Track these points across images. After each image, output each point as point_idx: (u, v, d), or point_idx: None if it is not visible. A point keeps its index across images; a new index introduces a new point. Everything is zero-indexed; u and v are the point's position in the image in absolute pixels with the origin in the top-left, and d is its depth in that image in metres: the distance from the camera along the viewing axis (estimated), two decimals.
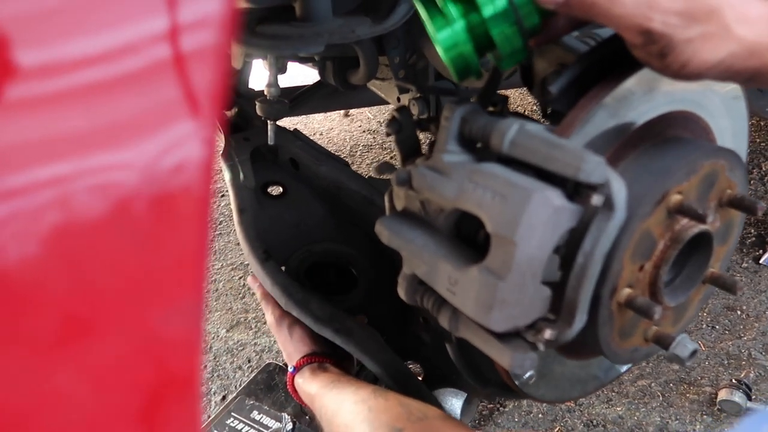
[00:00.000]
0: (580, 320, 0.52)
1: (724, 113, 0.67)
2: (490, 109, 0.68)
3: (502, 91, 0.99)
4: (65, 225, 0.26)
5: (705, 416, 1.36)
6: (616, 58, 0.58)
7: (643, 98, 0.57)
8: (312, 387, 0.86)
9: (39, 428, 0.28)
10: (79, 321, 0.28)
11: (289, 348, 0.94)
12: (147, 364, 0.28)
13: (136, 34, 0.26)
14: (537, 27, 0.57)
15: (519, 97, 2.72)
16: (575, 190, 0.49)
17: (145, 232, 0.26)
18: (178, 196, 0.26)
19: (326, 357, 0.93)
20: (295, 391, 0.92)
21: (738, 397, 1.33)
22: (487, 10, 0.55)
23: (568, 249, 0.51)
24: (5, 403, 0.27)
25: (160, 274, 0.26)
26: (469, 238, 0.55)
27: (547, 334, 0.51)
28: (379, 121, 2.67)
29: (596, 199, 0.48)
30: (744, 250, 1.79)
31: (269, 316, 0.99)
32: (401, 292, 0.60)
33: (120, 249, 0.26)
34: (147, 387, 0.28)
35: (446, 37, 0.57)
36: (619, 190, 0.49)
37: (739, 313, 1.60)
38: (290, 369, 0.93)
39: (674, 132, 0.60)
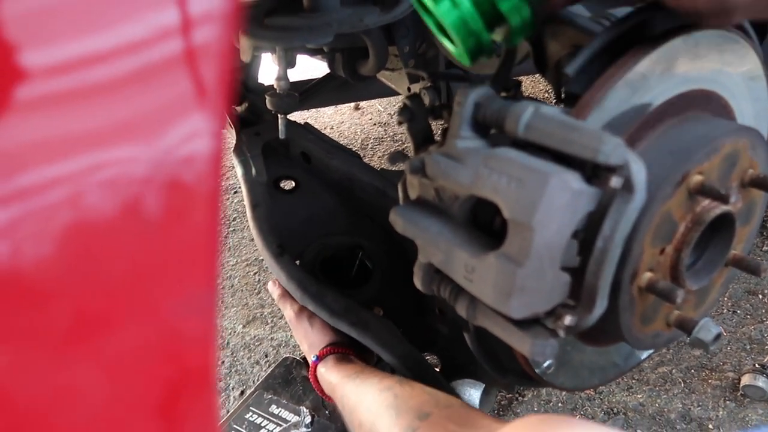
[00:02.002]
0: (601, 306, 0.51)
1: (745, 91, 0.65)
2: (503, 94, 0.67)
3: (514, 78, 0.98)
4: (78, 221, 0.26)
5: (728, 402, 1.34)
6: (632, 37, 0.57)
7: (662, 77, 0.56)
8: (335, 376, 0.86)
9: (57, 423, 0.28)
10: (94, 316, 0.28)
11: (312, 338, 0.94)
12: (162, 358, 0.27)
13: (142, 29, 0.26)
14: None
15: (530, 85, 2.70)
16: (593, 172, 0.48)
17: (156, 226, 0.25)
18: (188, 189, 0.26)
19: (349, 348, 0.93)
20: (317, 380, 0.91)
21: (762, 381, 1.31)
22: None
23: (587, 233, 0.50)
24: (23, 398, 0.27)
25: (172, 267, 0.26)
26: (485, 224, 0.54)
27: (567, 320, 0.50)
28: (390, 114, 2.66)
29: (615, 182, 0.47)
30: (764, 233, 1.76)
31: (288, 311, 0.98)
32: (417, 281, 0.59)
33: (132, 243, 0.25)
34: (164, 381, 0.28)
35: (455, 16, 0.55)
36: (638, 171, 0.47)
37: (760, 297, 1.57)
38: (313, 358, 0.92)
39: (694, 111, 0.59)
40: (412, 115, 0.63)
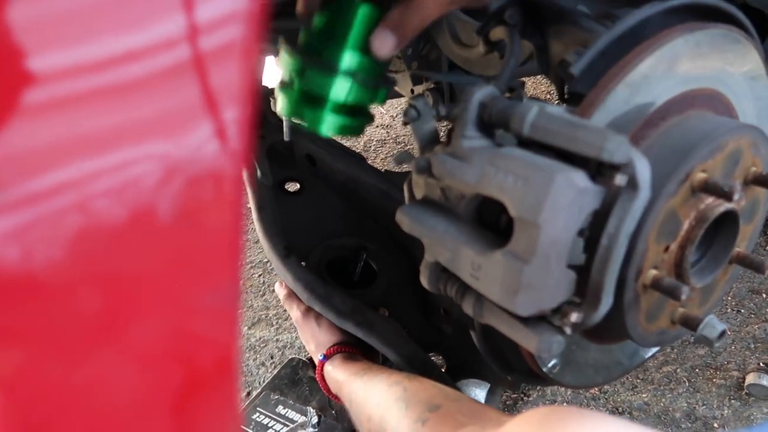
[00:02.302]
0: (606, 303, 0.51)
1: (747, 90, 0.66)
2: (507, 95, 0.68)
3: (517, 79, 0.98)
4: (102, 221, 0.27)
5: (733, 401, 1.34)
6: (636, 36, 0.57)
7: (664, 76, 0.56)
8: (342, 374, 0.86)
9: (79, 418, 0.29)
10: (116, 314, 0.28)
11: (319, 337, 0.95)
12: (186, 354, 0.28)
13: (170, 29, 0.27)
14: (383, 67, 0.62)
15: (531, 87, 2.71)
16: (598, 170, 0.48)
17: (180, 224, 0.26)
18: (214, 186, 0.26)
19: (356, 347, 0.94)
20: (323, 379, 0.92)
21: (766, 380, 1.31)
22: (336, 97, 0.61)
23: (593, 231, 0.50)
24: (45, 396, 0.28)
25: (196, 262, 0.26)
26: (491, 223, 0.55)
27: (573, 317, 0.51)
28: (392, 116, 2.67)
29: (620, 179, 0.47)
30: (767, 233, 1.76)
31: (295, 311, 0.99)
32: (424, 279, 0.60)
33: (157, 242, 0.26)
34: (185, 375, 0.28)
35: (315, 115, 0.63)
36: (643, 169, 0.48)
37: (764, 296, 1.57)
38: (320, 357, 0.93)
39: (697, 110, 0.59)
40: (418, 115, 0.63)
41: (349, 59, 0.60)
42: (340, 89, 0.61)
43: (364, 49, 0.60)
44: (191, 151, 0.26)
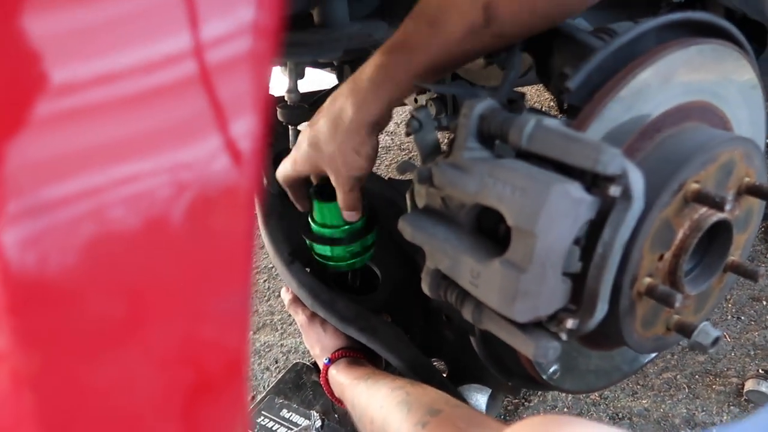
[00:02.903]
0: (602, 310, 0.53)
1: (741, 103, 0.68)
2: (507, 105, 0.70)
3: (519, 88, 1.00)
4: (118, 229, 0.28)
5: (732, 407, 1.35)
6: (631, 51, 0.59)
7: (659, 90, 0.58)
8: (346, 378, 0.88)
9: (96, 419, 0.30)
10: (132, 317, 0.30)
11: (325, 341, 0.96)
12: (196, 360, 0.29)
13: (190, 40, 0.28)
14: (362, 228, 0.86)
15: (535, 94, 2.72)
16: (593, 182, 0.50)
17: (194, 233, 0.28)
18: (227, 196, 0.28)
19: (360, 352, 0.95)
20: (327, 383, 0.93)
21: (765, 387, 1.32)
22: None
23: (588, 240, 0.52)
24: (66, 397, 0.29)
25: (209, 269, 0.28)
26: (490, 232, 0.57)
27: (569, 323, 0.52)
28: (396, 123, 2.69)
29: (614, 190, 0.49)
30: None
31: (300, 316, 1.00)
32: (425, 286, 0.62)
33: (170, 245, 0.28)
34: (197, 381, 0.30)
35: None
36: (636, 180, 0.50)
37: (764, 303, 1.58)
38: (325, 361, 0.94)
39: (691, 122, 0.61)
40: (421, 125, 0.65)
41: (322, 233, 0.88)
42: (322, 250, 0.89)
43: (330, 224, 0.86)
44: (207, 161, 0.28)
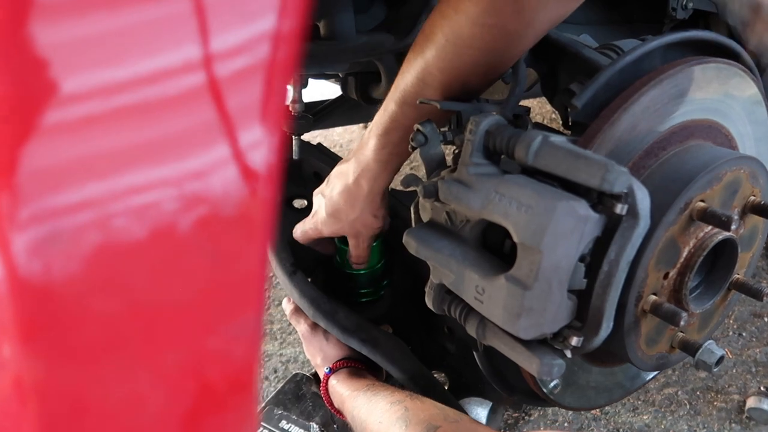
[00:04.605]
0: (606, 327, 0.53)
1: (745, 119, 0.68)
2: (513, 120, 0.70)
3: (523, 102, 1.00)
4: (126, 240, 0.28)
5: (733, 424, 1.35)
6: (637, 69, 0.59)
7: (665, 108, 0.58)
8: (346, 389, 0.87)
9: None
10: (135, 329, 0.30)
11: (327, 351, 0.96)
12: (203, 372, 0.29)
13: (206, 50, 0.27)
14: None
15: (538, 106, 2.73)
16: (599, 199, 0.50)
17: (213, 245, 0.27)
18: (245, 207, 0.27)
19: (362, 363, 0.95)
20: (327, 393, 0.93)
21: (767, 404, 1.31)
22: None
23: (594, 257, 0.52)
24: (60, 409, 0.29)
25: (225, 288, 0.28)
26: (495, 247, 0.57)
27: (574, 341, 0.52)
28: None
29: (620, 208, 0.49)
30: None
31: (302, 325, 1.00)
32: (429, 301, 0.62)
33: (190, 262, 0.28)
34: (200, 396, 0.30)
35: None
36: (642, 198, 0.50)
37: (766, 319, 1.58)
38: (326, 370, 0.94)
39: (696, 140, 0.61)
40: (426, 139, 0.65)
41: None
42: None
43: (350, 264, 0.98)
44: (219, 173, 0.28)
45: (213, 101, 0.28)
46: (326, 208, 0.85)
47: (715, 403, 1.39)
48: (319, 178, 1.20)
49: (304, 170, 1.21)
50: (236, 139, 0.28)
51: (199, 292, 0.30)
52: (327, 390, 0.94)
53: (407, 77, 0.68)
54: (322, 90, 1.57)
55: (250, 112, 0.29)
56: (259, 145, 0.28)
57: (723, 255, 0.62)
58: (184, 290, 0.29)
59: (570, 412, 1.39)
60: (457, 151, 0.61)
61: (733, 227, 0.54)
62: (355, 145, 0.84)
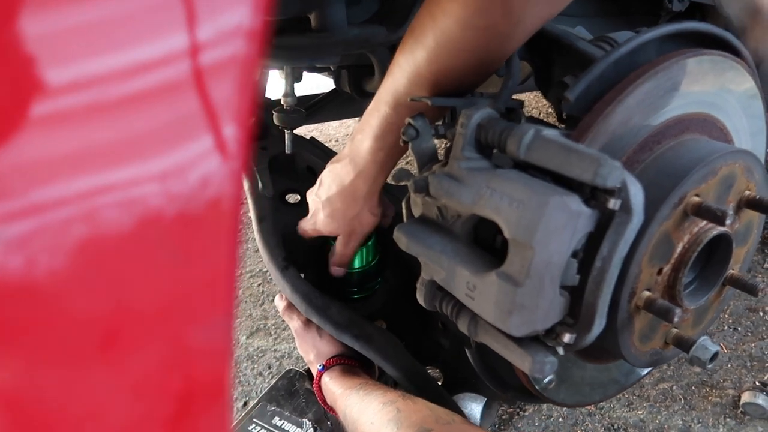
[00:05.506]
0: (599, 324, 0.52)
1: (741, 113, 0.67)
2: (506, 113, 0.69)
3: (517, 95, 0.99)
4: (100, 237, 0.27)
5: (728, 419, 1.34)
6: (632, 61, 0.58)
7: (659, 101, 0.57)
8: (339, 387, 0.87)
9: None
10: (110, 333, 0.29)
11: (320, 347, 0.95)
12: (178, 376, 0.28)
13: (173, 45, 0.27)
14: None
15: (534, 100, 2.72)
16: (592, 194, 0.49)
17: (178, 245, 0.27)
18: (209, 208, 0.27)
19: (355, 360, 0.94)
20: (320, 390, 0.92)
21: (761, 399, 1.31)
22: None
23: (586, 253, 0.51)
24: (34, 413, 0.28)
25: (193, 288, 0.27)
26: (486, 243, 0.56)
27: (567, 338, 0.51)
28: None
29: (613, 203, 0.48)
30: (766, 251, 1.76)
31: (295, 322, 0.99)
32: (420, 297, 0.61)
33: (154, 263, 0.27)
34: (178, 397, 0.29)
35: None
36: (636, 193, 0.49)
37: (761, 314, 1.58)
38: (319, 367, 0.93)
39: (691, 134, 0.60)
40: (417, 133, 0.64)
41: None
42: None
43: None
44: (189, 167, 0.27)
45: (178, 97, 0.27)
46: (324, 209, 0.87)
47: (710, 398, 1.39)
48: (312, 173, 1.19)
49: (297, 164, 1.20)
50: (203, 136, 0.27)
51: (163, 293, 0.29)
52: (320, 387, 0.93)
53: (399, 79, 0.68)
54: (318, 84, 1.56)
55: (216, 108, 0.28)
56: (227, 142, 0.27)
57: (718, 250, 0.62)
58: (148, 292, 0.28)
59: (565, 408, 1.39)
60: (448, 145, 0.60)
61: (728, 222, 0.53)
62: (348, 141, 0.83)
